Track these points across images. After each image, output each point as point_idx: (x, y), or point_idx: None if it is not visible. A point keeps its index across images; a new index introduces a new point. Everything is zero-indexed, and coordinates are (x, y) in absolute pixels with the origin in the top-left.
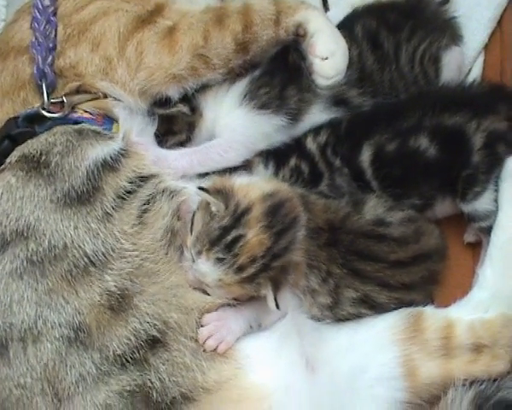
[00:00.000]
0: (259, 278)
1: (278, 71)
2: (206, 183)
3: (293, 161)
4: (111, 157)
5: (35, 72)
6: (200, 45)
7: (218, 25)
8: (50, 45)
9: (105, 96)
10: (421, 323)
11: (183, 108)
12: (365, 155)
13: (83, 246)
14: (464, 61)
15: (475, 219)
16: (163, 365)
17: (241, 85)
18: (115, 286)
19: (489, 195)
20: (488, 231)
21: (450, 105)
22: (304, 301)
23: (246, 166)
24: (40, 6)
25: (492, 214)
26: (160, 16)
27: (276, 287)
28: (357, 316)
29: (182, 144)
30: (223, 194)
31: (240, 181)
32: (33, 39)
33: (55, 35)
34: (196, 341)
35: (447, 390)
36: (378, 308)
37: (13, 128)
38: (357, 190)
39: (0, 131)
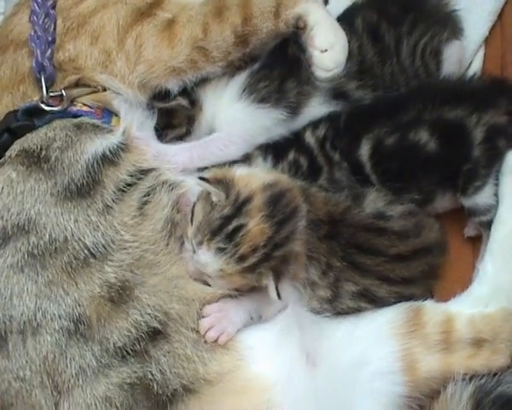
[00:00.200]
0: (261, 267)
1: (277, 64)
2: (206, 173)
3: (291, 155)
4: (110, 151)
5: (34, 65)
6: (199, 38)
7: (218, 17)
8: (49, 39)
9: (104, 90)
10: (421, 317)
11: (183, 102)
12: (364, 149)
13: (83, 238)
14: (465, 55)
15: (476, 214)
16: (164, 356)
17: (241, 79)
18: (115, 278)
19: (489, 189)
20: (488, 225)
21: (451, 98)
22: (304, 293)
23: (245, 160)
24: None
25: (493, 208)
26: (159, 9)
27: (278, 277)
28: (357, 310)
29: (181, 138)
30: (223, 184)
31: (240, 171)
32: (32, 33)
33: (54, 28)
34: (197, 332)
35: (447, 385)
36: (378, 302)
37: (12, 121)
38: (356, 185)
39: None
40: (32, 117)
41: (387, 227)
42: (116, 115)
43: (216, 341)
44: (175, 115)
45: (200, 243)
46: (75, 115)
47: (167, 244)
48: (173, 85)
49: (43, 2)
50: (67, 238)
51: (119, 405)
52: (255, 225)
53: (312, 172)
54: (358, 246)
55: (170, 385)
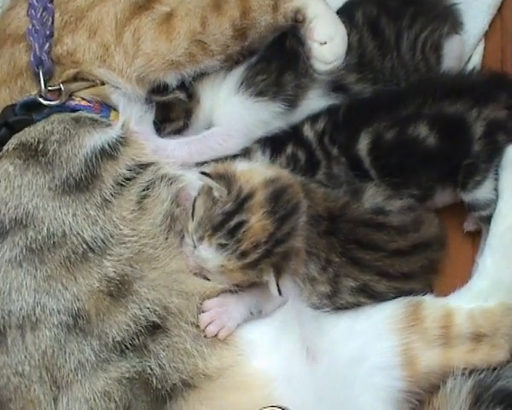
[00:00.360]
0: (262, 263)
1: (275, 57)
2: (207, 168)
3: (289, 149)
4: (109, 145)
5: (32, 59)
6: (197, 31)
7: (216, 10)
8: (47, 32)
9: (102, 84)
10: (421, 312)
11: (180, 95)
12: (363, 144)
13: (81, 233)
14: (465, 49)
15: (476, 208)
16: (163, 351)
17: (238, 72)
18: (114, 272)
19: (489, 184)
20: (488, 219)
21: (451, 93)
22: (303, 289)
23: (244, 154)
24: None
25: (493, 203)
26: (157, 2)
27: (278, 273)
28: (357, 305)
29: (179, 131)
30: (225, 179)
31: (241, 166)
32: (30, 26)
33: (52, 22)
34: (197, 326)
35: (446, 379)
36: (377, 298)
37: (10, 116)
38: (354, 180)
39: None
40: (30, 111)
41: (386, 222)
42: (114, 109)
43: (216, 336)
44: (172, 109)
45: (202, 239)
46: (73, 109)
47: (166, 238)
48: (171, 79)
49: None
50: (66, 233)
51: (117, 400)
52: (257, 222)
53: (310, 167)
54: (357, 241)
55: (169, 380)
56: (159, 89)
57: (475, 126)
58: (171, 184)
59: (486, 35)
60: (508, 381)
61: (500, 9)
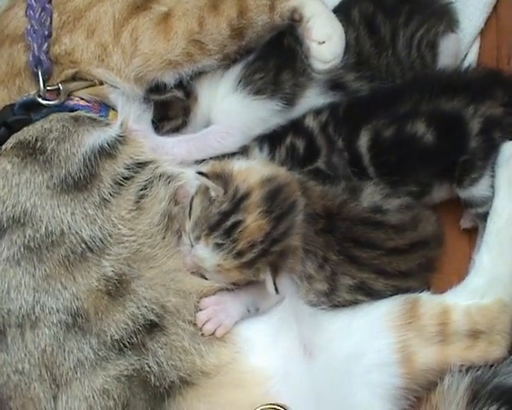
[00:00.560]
0: (258, 263)
1: (272, 55)
2: (204, 167)
3: (288, 140)
4: (108, 144)
5: (30, 59)
6: (195, 31)
7: (214, 10)
8: (46, 32)
9: (101, 83)
10: (418, 309)
11: (178, 93)
12: (363, 140)
13: (80, 232)
14: (460, 48)
15: (472, 205)
16: (161, 349)
17: (236, 70)
18: (113, 271)
19: (486, 181)
20: (485, 216)
21: (447, 89)
22: (300, 286)
23: (242, 151)
24: None
25: (489, 200)
26: (155, 2)
27: (275, 271)
28: (354, 303)
29: (177, 129)
30: (222, 178)
31: (238, 165)
32: (28, 27)
33: (51, 22)
34: (195, 325)
35: (444, 376)
36: (374, 295)
37: (9, 116)
38: (351, 176)
39: None
40: (28, 111)
41: (384, 221)
42: (113, 109)
43: (213, 333)
44: (170, 107)
45: (198, 238)
46: (72, 109)
47: (164, 238)
48: (169, 78)
49: None
50: (64, 231)
51: (116, 397)
52: (253, 221)
53: (309, 154)
54: (355, 240)
55: (167, 377)
56: (157, 88)
57: (472, 123)
58: (169, 182)
59: (482, 33)
60: (505, 378)
61: (496, 8)
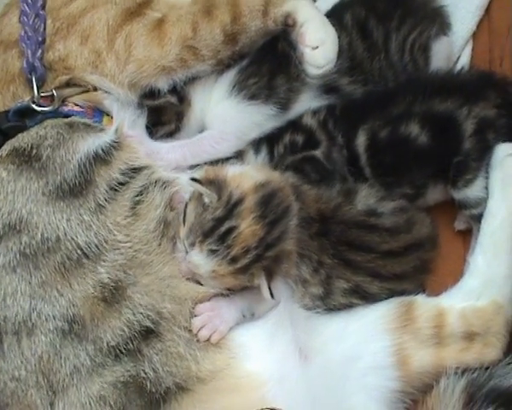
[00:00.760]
0: (253, 268)
1: (266, 60)
2: (198, 173)
3: (287, 138)
4: (102, 150)
5: (25, 65)
6: (189, 37)
7: (207, 16)
8: (40, 39)
9: (95, 89)
10: (413, 312)
11: (171, 99)
12: (361, 140)
13: (75, 238)
14: (453, 50)
15: (466, 207)
16: (157, 355)
17: (230, 75)
18: (109, 278)
19: (480, 182)
20: (479, 218)
21: (441, 91)
22: (295, 291)
23: (236, 155)
24: (29, 0)
25: (483, 201)
26: (148, 8)
27: (270, 276)
28: (349, 306)
29: (171, 135)
30: (215, 184)
31: (232, 171)
32: (22, 33)
33: (44, 28)
34: (190, 331)
35: (439, 379)
36: (369, 299)
37: (3, 122)
38: (347, 176)
39: None
40: (23, 117)
41: (379, 224)
42: (107, 115)
43: (208, 339)
44: (164, 112)
45: (193, 245)
46: (66, 115)
47: (160, 244)
48: (163, 84)
49: (33, 3)
50: (60, 238)
51: (112, 403)
52: (247, 227)
53: (309, 145)
54: (349, 243)
55: (163, 383)
56: (150, 93)
57: (466, 124)
58: (164, 188)
59: (474, 36)
60: (500, 380)
61: (488, 10)
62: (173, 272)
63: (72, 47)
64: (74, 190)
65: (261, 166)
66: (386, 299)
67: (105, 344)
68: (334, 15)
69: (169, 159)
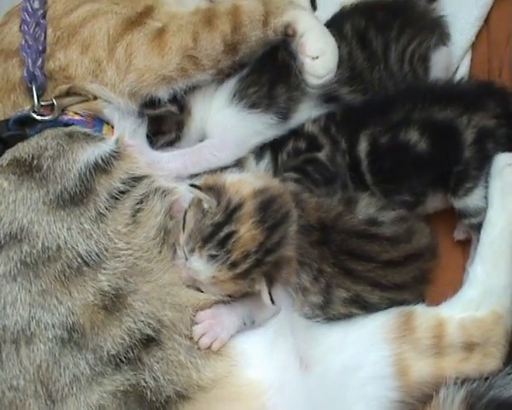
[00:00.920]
0: (253, 273)
1: (266, 69)
2: (197, 180)
3: (290, 145)
4: (102, 160)
5: (25, 74)
6: (189, 46)
7: (207, 26)
8: (40, 48)
9: (95, 98)
10: (412, 322)
11: (172, 108)
12: (362, 145)
13: (76, 247)
14: (452, 61)
15: (466, 216)
16: (157, 363)
17: (230, 84)
18: (109, 286)
19: (480, 191)
20: (478, 227)
21: (440, 99)
22: (295, 299)
23: (237, 162)
24: (29, 9)
25: (483, 211)
26: (149, 18)
27: (270, 282)
28: (349, 316)
29: (172, 144)
30: (214, 190)
31: (231, 178)
32: (23, 42)
33: (45, 37)
34: (191, 338)
35: (439, 389)
36: (369, 309)
37: (3, 131)
38: (348, 183)
39: None
40: (23, 126)
41: (379, 233)
42: (107, 123)
43: (209, 347)
44: (164, 122)
45: (192, 251)
46: (66, 124)
47: (160, 252)
48: (163, 93)
49: (34, 12)
50: (60, 247)
51: None
52: (246, 232)
53: (312, 149)
54: (350, 252)
55: (163, 392)
56: (151, 102)
57: (466, 133)
58: (164, 196)
59: (473, 46)
60: (500, 390)
61: (487, 21)
62: (174, 280)
63: (72, 56)
64: (75, 198)
65: (260, 173)
66: (385, 309)
67: (105, 353)
68: (333, 25)
69: (170, 168)
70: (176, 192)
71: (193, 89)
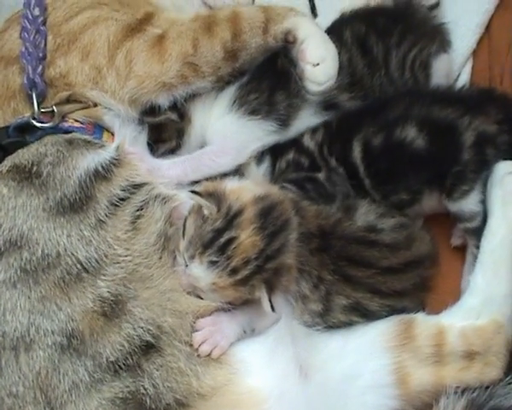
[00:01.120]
0: (253, 280)
1: (266, 76)
2: (198, 187)
3: (291, 155)
4: (102, 167)
5: (25, 81)
6: (189, 53)
7: (208, 33)
8: (40, 55)
9: (95, 105)
10: (413, 330)
11: (172, 116)
12: (356, 151)
13: (76, 253)
14: (453, 68)
15: (461, 220)
16: (157, 370)
17: (230, 91)
18: (108, 292)
19: (475, 195)
20: (473, 232)
21: (441, 100)
22: (295, 307)
23: (237, 168)
24: (30, 16)
25: (478, 216)
26: (149, 25)
27: (271, 289)
28: (349, 324)
29: (172, 151)
30: (215, 197)
31: (231, 184)
32: (23, 49)
33: (45, 44)
34: (191, 345)
35: (439, 398)
36: (369, 316)
37: (3, 138)
38: (351, 191)
39: None
40: (23, 133)
41: (379, 240)
42: (107, 130)
43: (209, 354)
44: (164, 129)
45: (192, 257)
46: (66, 131)
47: (160, 258)
48: (164, 101)
49: (34, 19)
50: (60, 253)
51: None
52: (247, 238)
53: (312, 169)
54: (349, 259)
55: (163, 399)
56: (151, 110)
57: (466, 135)
58: (164, 203)
59: (474, 53)
60: (501, 400)
61: (488, 28)
62: (174, 286)
63: (72, 63)
64: (74, 205)
65: (260, 180)
66: (385, 317)
67: (104, 360)
68: (333, 32)
69: (170, 175)
70: (176, 199)
71: (193, 96)
